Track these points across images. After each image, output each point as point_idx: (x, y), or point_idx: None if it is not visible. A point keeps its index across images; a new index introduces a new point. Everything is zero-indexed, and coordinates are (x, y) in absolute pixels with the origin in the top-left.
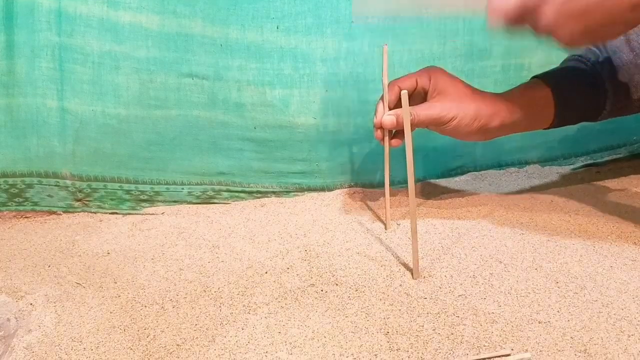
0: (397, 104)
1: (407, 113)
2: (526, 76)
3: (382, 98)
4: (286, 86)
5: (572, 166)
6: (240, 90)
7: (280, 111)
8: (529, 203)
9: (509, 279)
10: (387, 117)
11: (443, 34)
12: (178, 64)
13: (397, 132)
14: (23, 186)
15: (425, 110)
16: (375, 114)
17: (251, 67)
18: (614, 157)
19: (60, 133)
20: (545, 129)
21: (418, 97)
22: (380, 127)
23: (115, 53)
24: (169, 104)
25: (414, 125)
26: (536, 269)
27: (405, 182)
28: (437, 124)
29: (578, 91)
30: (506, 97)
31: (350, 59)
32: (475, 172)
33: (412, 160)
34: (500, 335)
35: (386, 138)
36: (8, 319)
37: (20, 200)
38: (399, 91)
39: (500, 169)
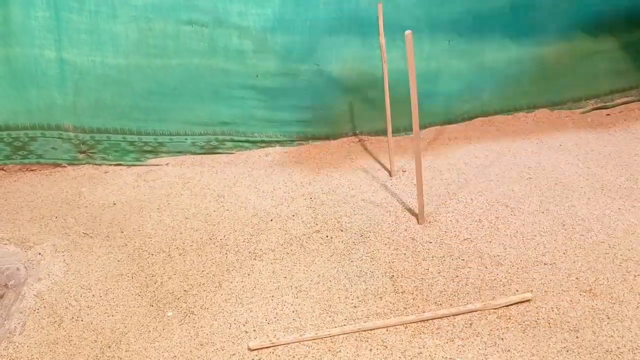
0: None
1: (411, 54)
2: (533, 17)
3: None
4: (288, 32)
5: (581, 109)
6: (240, 37)
7: (283, 58)
8: (536, 147)
9: (515, 223)
10: None
11: None
12: (176, 10)
13: None
14: (26, 139)
15: None
16: None
17: (251, 12)
18: (625, 99)
19: (60, 84)
20: None
21: None
22: None
23: (111, 0)
24: (168, 53)
25: None
26: (543, 213)
27: (410, 129)
28: None
29: None
30: None
31: (354, 3)
32: (483, 118)
33: (417, 105)
34: (505, 277)
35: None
36: (17, 269)
37: (25, 153)
38: None
39: (508, 114)
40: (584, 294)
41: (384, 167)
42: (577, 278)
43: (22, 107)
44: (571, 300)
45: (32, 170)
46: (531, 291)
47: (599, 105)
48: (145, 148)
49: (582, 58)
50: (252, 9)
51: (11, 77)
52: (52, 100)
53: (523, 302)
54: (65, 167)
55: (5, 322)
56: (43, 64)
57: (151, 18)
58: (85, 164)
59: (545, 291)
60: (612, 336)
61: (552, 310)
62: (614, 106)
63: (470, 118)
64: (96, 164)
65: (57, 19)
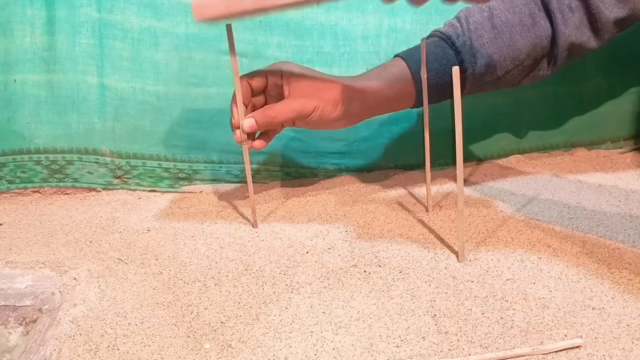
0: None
1: (457, 89)
2: None
3: (234, 97)
4: (326, 64)
5: (620, 150)
6: None
7: None
8: (575, 187)
9: (558, 264)
10: (247, 121)
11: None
12: (217, 41)
13: (261, 133)
14: (64, 162)
15: (285, 107)
16: (231, 114)
17: (290, 44)
18: None
19: (100, 110)
20: (411, 108)
21: (273, 93)
22: (239, 128)
23: (154, 29)
24: (207, 82)
25: (277, 124)
26: (587, 254)
27: (445, 164)
28: (301, 118)
29: (437, 71)
30: (363, 78)
31: (392, 37)
32: (519, 154)
33: (461, 140)
34: (552, 321)
35: (245, 142)
36: (52, 293)
37: (61, 176)
38: (249, 88)
39: (545, 152)
40: (637, 342)
41: (419, 201)
42: (627, 325)
43: (62, 131)
44: (623, 349)
45: (67, 193)
46: (581, 337)
47: (638, 146)
48: (180, 175)
49: (620, 97)
50: (291, 40)
51: (53, 102)
52: (91, 125)
53: (573, 348)
54: (99, 191)
55: (41, 348)
56: (85, 89)
57: (192, 47)
58: (119, 189)
59: (596, 337)
60: None
61: (604, 358)
62: None
63: (506, 154)
64: (130, 190)
65: (100, 46)
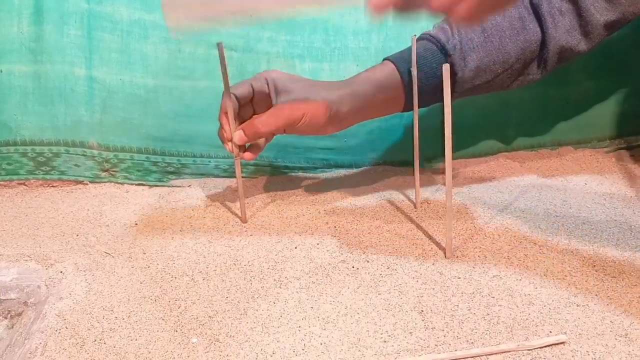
0: (239, 114)
1: (447, 86)
2: None
3: (222, 110)
4: (316, 59)
5: (605, 149)
6: (269, 62)
7: None
8: (561, 185)
9: (544, 261)
10: (237, 134)
11: None
12: (207, 34)
13: (251, 145)
14: (50, 155)
15: (272, 116)
16: (221, 126)
17: (281, 39)
18: None
19: (87, 102)
20: (400, 112)
21: (261, 103)
22: (229, 141)
23: (144, 22)
24: (197, 75)
25: (266, 134)
26: (572, 252)
27: (434, 161)
28: (290, 125)
29: (427, 74)
30: (352, 82)
31: (383, 33)
32: (506, 153)
33: (450, 136)
34: (537, 317)
35: (236, 151)
36: (38, 286)
37: (47, 169)
38: (234, 99)
39: (532, 150)
40: (620, 338)
41: (407, 198)
42: (611, 321)
43: (49, 123)
44: (607, 345)
45: (53, 186)
46: (565, 333)
47: (623, 145)
48: (168, 169)
49: (606, 98)
50: (282, 35)
51: (40, 93)
52: (78, 118)
53: (557, 344)
54: (86, 184)
55: (26, 342)
56: (72, 81)
57: (182, 40)
58: (107, 182)
59: (580, 334)
60: None
61: (588, 354)
62: (638, 147)
63: (494, 153)
64: (118, 183)
65: (89, 37)
